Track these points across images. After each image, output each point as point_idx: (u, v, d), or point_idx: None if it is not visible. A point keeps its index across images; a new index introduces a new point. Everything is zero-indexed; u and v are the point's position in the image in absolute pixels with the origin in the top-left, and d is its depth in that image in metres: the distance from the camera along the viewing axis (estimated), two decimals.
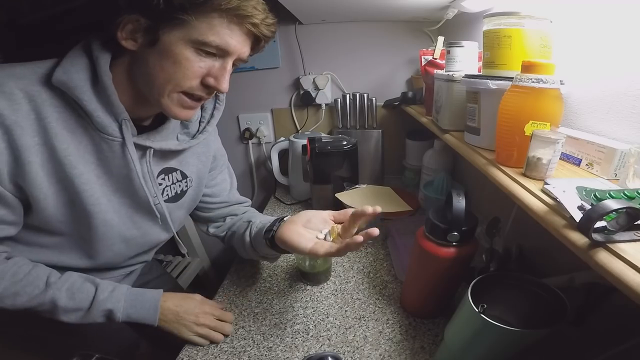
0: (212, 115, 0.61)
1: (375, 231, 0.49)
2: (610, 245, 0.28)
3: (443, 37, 0.86)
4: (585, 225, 0.29)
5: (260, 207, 1.29)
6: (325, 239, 0.55)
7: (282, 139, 1.29)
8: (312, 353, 0.59)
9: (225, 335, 0.63)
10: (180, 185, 0.62)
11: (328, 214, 0.58)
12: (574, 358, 0.49)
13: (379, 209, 0.52)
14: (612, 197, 0.32)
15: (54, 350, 0.63)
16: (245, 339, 0.63)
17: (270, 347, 0.61)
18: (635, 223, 0.28)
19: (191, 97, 0.48)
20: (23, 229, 0.53)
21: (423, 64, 0.88)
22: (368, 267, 0.83)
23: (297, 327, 0.65)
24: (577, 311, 0.44)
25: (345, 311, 0.69)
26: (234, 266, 0.85)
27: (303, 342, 0.62)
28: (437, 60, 0.80)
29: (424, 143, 1.16)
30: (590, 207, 0.30)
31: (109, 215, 0.55)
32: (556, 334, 0.41)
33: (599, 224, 0.28)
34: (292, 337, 0.63)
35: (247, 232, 0.68)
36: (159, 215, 0.58)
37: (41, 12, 1.10)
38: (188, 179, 0.63)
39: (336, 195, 0.92)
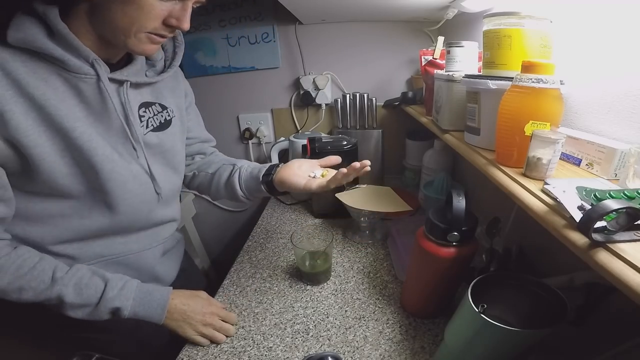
0: (174, 53, 0.64)
1: (356, 164, 0.60)
2: (610, 245, 0.28)
3: (443, 37, 0.86)
4: (585, 225, 0.29)
5: (261, 207, 1.29)
6: (315, 177, 0.67)
7: (282, 139, 1.29)
8: (312, 353, 0.59)
9: (227, 336, 0.63)
10: (163, 115, 0.63)
11: (315, 161, 0.71)
12: (574, 358, 0.49)
13: (367, 163, 0.62)
14: (612, 197, 0.32)
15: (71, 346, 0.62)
16: (245, 339, 0.63)
17: (270, 347, 0.61)
18: (635, 223, 0.28)
19: (155, 35, 0.50)
20: (38, 200, 0.53)
21: (423, 64, 0.88)
22: (368, 267, 0.83)
23: (297, 327, 0.65)
24: (577, 311, 0.44)
25: (345, 311, 0.69)
26: (234, 266, 0.86)
27: (303, 342, 0.62)
28: (437, 60, 0.80)
29: (424, 143, 1.16)
30: (590, 207, 0.30)
31: (108, 150, 0.54)
32: (556, 334, 0.41)
33: (599, 224, 0.28)
34: (292, 337, 0.63)
35: (236, 175, 0.72)
36: (135, 149, 0.57)
37: None
38: (168, 109, 0.64)
39: (336, 195, 0.92)
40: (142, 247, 0.67)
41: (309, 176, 0.67)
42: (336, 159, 0.71)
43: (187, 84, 0.75)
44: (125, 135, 0.56)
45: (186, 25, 0.50)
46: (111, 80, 0.53)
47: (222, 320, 0.64)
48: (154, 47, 0.52)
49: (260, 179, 0.70)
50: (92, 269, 0.57)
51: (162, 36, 0.50)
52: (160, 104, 0.63)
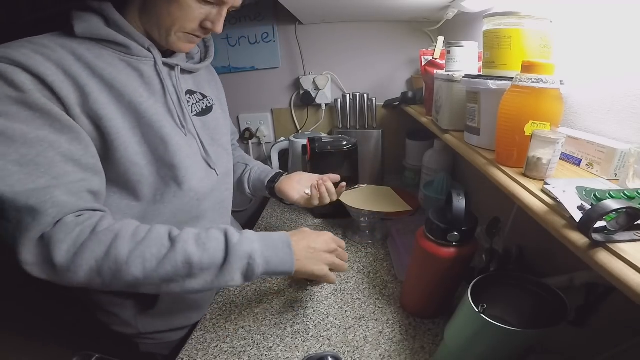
0: (206, 47, 0.70)
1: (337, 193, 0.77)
2: (610, 245, 0.28)
3: (443, 37, 0.86)
4: (585, 225, 0.29)
5: (261, 207, 1.29)
6: (306, 193, 0.77)
7: (282, 139, 1.29)
8: (312, 353, 0.59)
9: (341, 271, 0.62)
10: (204, 103, 0.67)
11: (316, 177, 0.80)
12: (574, 358, 0.49)
13: (337, 177, 0.79)
14: (612, 197, 0.32)
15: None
16: (245, 339, 0.63)
17: (270, 347, 0.61)
18: (635, 223, 0.28)
19: (192, 35, 0.56)
20: (117, 189, 0.54)
21: (423, 64, 0.88)
22: (368, 267, 0.83)
23: (297, 327, 0.65)
24: (577, 311, 0.44)
25: (345, 311, 0.69)
26: None
27: (303, 342, 0.62)
28: (437, 60, 0.80)
29: (424, 143, 1.16)
30: (590, 207, 0.30)
31: (172, 124, 0.57)
32: (556, 334, 0.41)
33: (599, 224, 0.28)
34: (292, 337, 0.63)
35: (247, 176, 0.84)
36: (185, 126, 0.59)
37: (41, 12, 1.10)
38: (208, 97, 0.69)
39: None
40: None
41: (304, 193, 0.77)
42: (335, 177, 0.79)
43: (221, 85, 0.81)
44: (179, 115, 0.59)
45: (219, 29, 0.55)
46: (165, 64, 0.58)
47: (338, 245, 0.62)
48: (190, 45, 0.58)
49: (265, 184, 0.81)
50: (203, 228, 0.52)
51: (197, 36, 0.56)
52: (201, 93, 0.68)
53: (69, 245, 0.42)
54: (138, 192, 0.56)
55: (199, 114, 0.65)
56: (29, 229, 0.41)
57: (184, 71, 0.63)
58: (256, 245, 0.50)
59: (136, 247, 0.45)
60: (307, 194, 0.76)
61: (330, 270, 0.58)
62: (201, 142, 0.63)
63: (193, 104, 0.65)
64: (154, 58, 0.56)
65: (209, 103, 0.69)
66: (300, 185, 0.78)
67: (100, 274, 0.43)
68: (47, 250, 0.42)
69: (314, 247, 0.57)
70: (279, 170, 0.84)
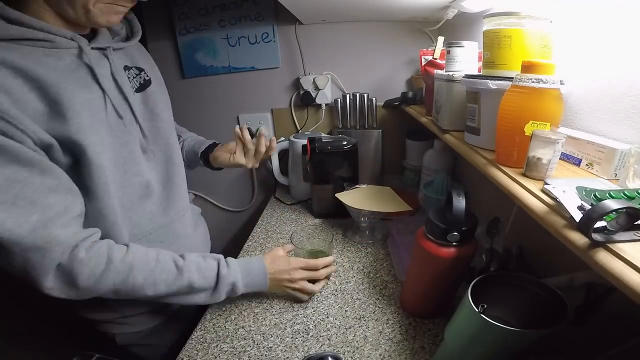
0: (130, 24, 0.66)
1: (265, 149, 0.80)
2: (610, 245, 0.28)
3: (443, 37, 0.86)
4: (585, 225, 0.29)
5: (261, 208, 1.29)
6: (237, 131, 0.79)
7: (282, 139, 1.29)
8: (312, 353, 0.59)
9: (326, 278, 0.73)
10: (141, 77, 0.65)
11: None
12: (574, 358, 0.49)
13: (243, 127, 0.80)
14: (612, 197, 0.32)
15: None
16: (245, 339, 0.63)
17: (270, 347, 0.61)
18: (635, 223, 0.28)
19: (115, 5, 0.51)
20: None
21: (423, 64, 0.88)
22: (368, 267, 0.83)
23: (297, 327, 0.65)
24: (577, 311, 0.44)
25: (345, 311, 0.69)
26: None
27: (303, 342, 0.62)
28: (437, 60, 0.80)
29: (424, 143, 1.16)
30: (590, 207, 0.30)
31: (101, 117, 0.54)
32: (556, 334, 0.41)
33: (599, 224, 0.28)
34: (292, 337, 0.63)
35: (181, 146, 0.82)
36: (122, 116, 0.57)
37: None
38: (144, 71, 0.66)
39: (336, 195, 0.92)
40: (171, 218, 0.69)
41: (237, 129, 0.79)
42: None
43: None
44: (114, 104, 0.55)
45: None
46: (94, 49, 0.54)
47: (309, 269, 0.70)
48: (116, 17, 0.53)
49: (199, 154, 0.83)
50: (200, 254, 0.63)
51: (123, 6, 0.52)
52: (136, 67, 0.65)
53: (88, 275, 0.50)
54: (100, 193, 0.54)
55: (138, 90, 0.63)
56: (43, 264, 0.47)
57: (116, 49, 0.59)
58: (239, 275, 0.64)
59: (149, 274, 0.55)
60: (237, 131, 0.78)
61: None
62: (139, 125, 0.61)
63: (132, 79, 0.62)
64: (80, 47, 0.51)
65: (147, 76, 0.66)
66: (229, 151, 0.80)
67: (117, 293, 0.54)
68: (70, 278, 0.49)
69: (279, 277, 0.68)
70: (213, 142, 0.86)
